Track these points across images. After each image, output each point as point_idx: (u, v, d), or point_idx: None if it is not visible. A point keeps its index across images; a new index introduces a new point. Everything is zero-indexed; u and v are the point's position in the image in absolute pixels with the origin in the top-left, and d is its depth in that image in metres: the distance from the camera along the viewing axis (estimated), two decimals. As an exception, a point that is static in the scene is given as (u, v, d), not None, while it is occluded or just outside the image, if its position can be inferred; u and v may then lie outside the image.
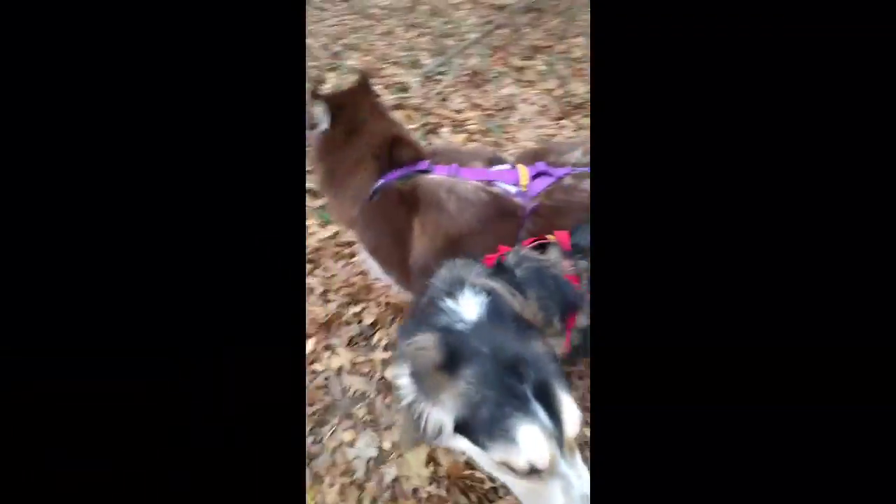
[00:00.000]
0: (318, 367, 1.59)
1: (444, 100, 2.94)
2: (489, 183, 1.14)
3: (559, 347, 0.88)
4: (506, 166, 1.21)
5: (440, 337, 0.69)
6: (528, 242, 1.01)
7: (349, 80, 1.60)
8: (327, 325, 1.70)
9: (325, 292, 1.82)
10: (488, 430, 0.66)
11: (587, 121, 2.74)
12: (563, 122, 2.78)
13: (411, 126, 2.63)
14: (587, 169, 1.16)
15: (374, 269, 1.30)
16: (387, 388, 1.52)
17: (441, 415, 0.69)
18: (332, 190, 1.25)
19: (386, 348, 1.64)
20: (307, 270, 1.89)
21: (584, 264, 0.95)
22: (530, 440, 0.63)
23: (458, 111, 2.84)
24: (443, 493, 1.27)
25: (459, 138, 2.62)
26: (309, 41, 3.52)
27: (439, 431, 0.70)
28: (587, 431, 1.01)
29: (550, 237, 1.00)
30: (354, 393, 1.52)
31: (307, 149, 1.28)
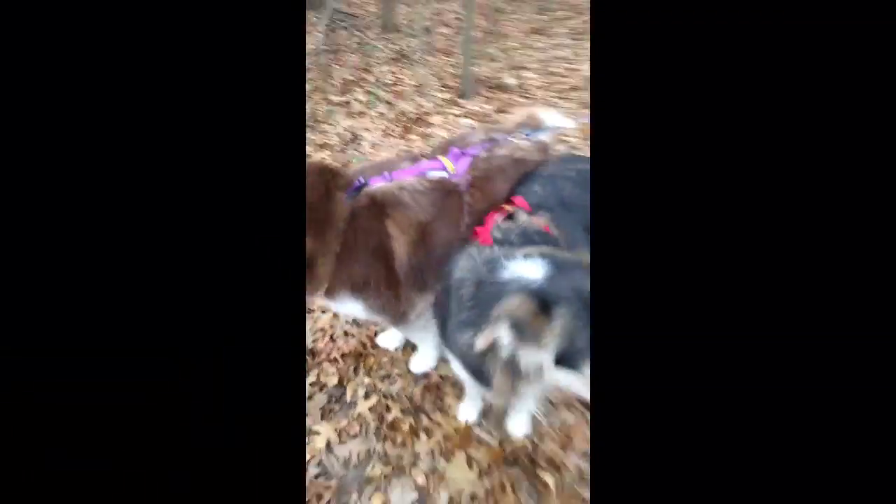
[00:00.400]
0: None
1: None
2: (423, 175, 1.19)
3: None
4: (428, 161, 1.27)
5: (527, 292, 0.75)
6: (492, 217, 1.09)
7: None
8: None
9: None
10: (586, 355, 0.71)
11: (431, 129, 2.98)
12: (410, 135, 2.96)
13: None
14: (492, 143, 1.30)
15: (356, 310, 1.19)
16: (391, 428, 1.38)
17: (540, 356, 0.75)
18: (328, 256, 1.11)
19: (367, 396, 1.49)
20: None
21: (547, 215, 1.07)
22: None
23: (308, 155, 2.76)
24: (495, 481, 1.23)
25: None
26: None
27: (539, 371, 0.76)
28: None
29: (509, 207, 1.10)
30: (358, 457, 1.34)
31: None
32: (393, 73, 3.84)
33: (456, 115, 3.15)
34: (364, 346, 1.65)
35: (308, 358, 1.63)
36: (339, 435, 1.40)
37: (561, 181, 1.17)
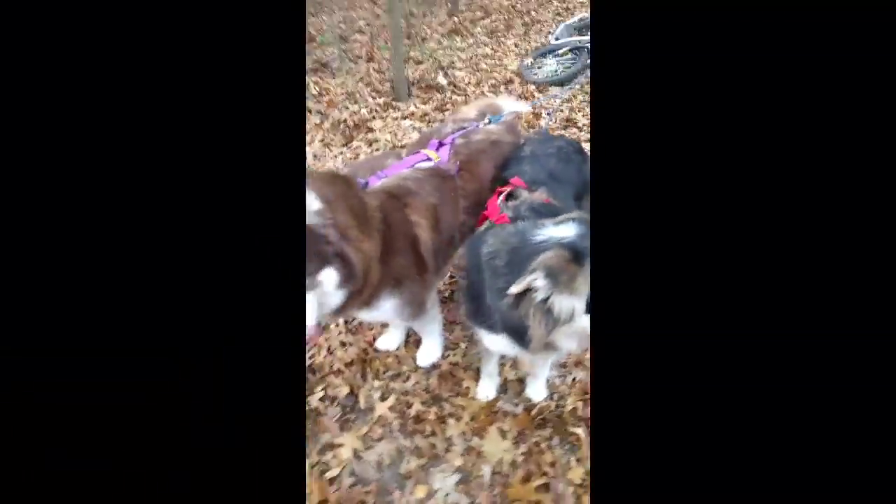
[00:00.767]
0: (333, 472, 1.31)
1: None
2: (414, 168, 1.24)
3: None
4: (412, 155, 1.31)
5: (560, 245, 0.82)
6: (494, 199, 1.17)
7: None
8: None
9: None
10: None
11: (373, 134, 2.98)
12: (354, 142, 2.93)
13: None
14: (466, 131, 1.38)
15: (386, 311, 1.19)
16: (416, 421, 1.39)
17: (572, 301, 0.82)
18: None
19: (383, 398, 1.48)
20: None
21: (544, 190, 1.17)
22: None
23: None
24: (529, 444, 1.30)
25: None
26: None
27: (571, 315, 0.83)
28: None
29: (507, 187, 1.18)
30: (389, 457, 1.34)
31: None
32: (316, 83, 3.76)
33: (395, 118, 3.18)
34: (365, 351, 1.63)
35: (310, 375, 1.58)
36: (364, 441, 1.38)
37: (545, 159, 1.27)
